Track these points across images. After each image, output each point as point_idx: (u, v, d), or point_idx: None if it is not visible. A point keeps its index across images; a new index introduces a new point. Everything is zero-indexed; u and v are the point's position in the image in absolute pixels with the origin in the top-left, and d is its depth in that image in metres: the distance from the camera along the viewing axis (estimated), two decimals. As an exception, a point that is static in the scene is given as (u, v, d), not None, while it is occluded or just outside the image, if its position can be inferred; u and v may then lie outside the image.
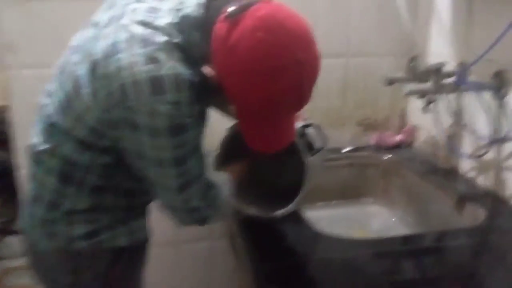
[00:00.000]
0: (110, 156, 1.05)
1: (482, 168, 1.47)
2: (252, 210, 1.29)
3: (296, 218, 1.33)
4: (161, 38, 0.94)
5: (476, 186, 1.48)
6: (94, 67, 0.96)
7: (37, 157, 1.08)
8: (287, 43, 0.93)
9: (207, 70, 0.98)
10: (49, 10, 1.56)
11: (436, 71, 1.39)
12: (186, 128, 0.96)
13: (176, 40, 0.95)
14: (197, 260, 1.95)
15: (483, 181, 1.47)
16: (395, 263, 1.17)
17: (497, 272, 1.11)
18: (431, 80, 1.43)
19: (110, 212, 1.10)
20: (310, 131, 1.28)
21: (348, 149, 1.86)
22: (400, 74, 1.60)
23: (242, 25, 0.93)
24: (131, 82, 0.91)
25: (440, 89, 1.41)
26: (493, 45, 1.29)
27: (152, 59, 0.92)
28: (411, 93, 1.42)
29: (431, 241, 1.27)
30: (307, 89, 0.99)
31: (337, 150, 1.85)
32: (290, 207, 1.27)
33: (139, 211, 1.18)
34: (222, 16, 0.96)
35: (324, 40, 1.80)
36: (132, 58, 0.92)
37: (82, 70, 0.99)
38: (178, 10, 0.98)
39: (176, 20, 0.97)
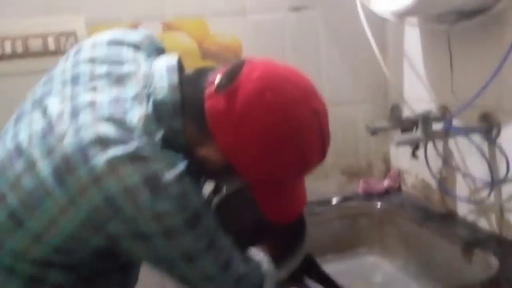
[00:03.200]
0: (82, 270, 0.89)
1: (483, 211, 1.45)
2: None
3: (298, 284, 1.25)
4: (141, 138, 0.80)
5: (479, 231, 1.45)
6: (58, 180, 0.79)
7: None
8: (299, 96, 0.84)
9: (202, 155, 0.87)
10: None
11: (424, 120, 1.38)
12: (200, 215, 0.83)
13: (157, 137, 0.82)
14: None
15: (486, 224, 1.44)
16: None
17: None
18: (419, 128, 1.41)
19: None
20: None
21: (336, 200, 1.82)
22: (383, 122, 1.59)
23: (243, 92, 0.82)
24: (120, 190, 0.77)
25: (430, 137, 1.39)
26: (479, 92, 1.28)
27: (136, 158, 0.78)
28: (401, 143, 1.40)
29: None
30: (327, 135, 0.90)
31: (326, 202, 1.81)
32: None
33: None
34: (210, 91, 0.84)
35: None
36: (110, 163, 0.77)
37: (33, 183, 0.81)
38: (147, 96, 0.85)
39: (150, 110, 0.83)
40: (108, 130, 0.79)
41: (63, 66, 0.93)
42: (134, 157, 0.78)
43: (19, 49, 1.46)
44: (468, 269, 1.37)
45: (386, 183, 1.84)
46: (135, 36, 0.98)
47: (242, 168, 0.86)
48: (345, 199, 1.83)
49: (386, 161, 1.91)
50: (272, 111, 0.82)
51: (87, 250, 0.86)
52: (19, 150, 0.84)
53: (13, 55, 1.46)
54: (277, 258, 1.23)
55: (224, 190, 1.16)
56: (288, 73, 0.88)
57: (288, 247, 1.24)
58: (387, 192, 1.83)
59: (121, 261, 0.95)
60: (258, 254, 1.03)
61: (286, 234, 1.26)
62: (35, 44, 1.48)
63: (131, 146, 0.78)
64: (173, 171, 0.80)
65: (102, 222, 0.80)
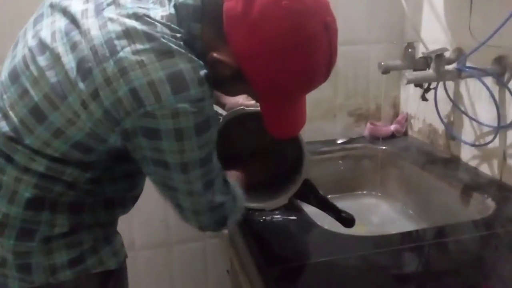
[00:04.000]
0: (96, 170, 0.92)
1: (486, 156, 1.43)
2: (256, 205, 1.20)
3: (297, 213, 1.28)
4: (165, 31, 0.81)
5: (481, 175, 1.44)
6: (82, 72, 0.81)
7: None
8: (314, 8, 0.84)
9: (215, 57, 0.86)
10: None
11: (437, 58, 1.34)
12: (210, 124, 0.86)
13: (178, 35, 0.83)
14: (189, 261, 1.88)
15: (488, 169, 1.43)
16: (408, 260, 1.12)
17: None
18: (431, 67, 1.38)
19: (91, 230, 0.97)
20: None
21: (341, 140, 1.81)
22: (396, 61, 1.56)
23: None
24: (144, 83, 0.78)
25: (442, 76, 1.36)
26: (497, 30, 1.24)
27: (165, 53, 0.79)
28: (412, 81, 1.36)
29: (442, 235, 1.22)
30: (335, 54, 0.89)
31: (331, 142, 1.80)
32: (290, 191, 1.19)
33: (115, 225, 1.07)
34: None
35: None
36: (138, 55, 0.78)
37: (58, 76, 0.83)
38: None
39: (172, 11, 0.84)
40: (134, 24, 0.80)
41: None
42: (161, 52, 0.79)
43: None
44: (465, 211, 1.37)
45: (392, 127, 1.82)
46: None
47: (251, 74, 0.87)
48: (350, 140, 1.82)
49: (395, 106, 1.88)
50: (286, 18, 0.82)
51: (104, 148, 0.88)
52: (42, 46, 0.86)
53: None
54: (275, 185, 1.24)
55: (221, 119, 1.17)
56: None
57: (286, 175, 1.24)
58: (393, 136, 1.81)
59: (130, 168, 0.97)
60: (236, 186, 1.04)
61: (282, 161, 1.26)
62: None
63: (157, 41, 0.80)
64: (197, 73, 0.82)
65: (121, 116, 0.81)
